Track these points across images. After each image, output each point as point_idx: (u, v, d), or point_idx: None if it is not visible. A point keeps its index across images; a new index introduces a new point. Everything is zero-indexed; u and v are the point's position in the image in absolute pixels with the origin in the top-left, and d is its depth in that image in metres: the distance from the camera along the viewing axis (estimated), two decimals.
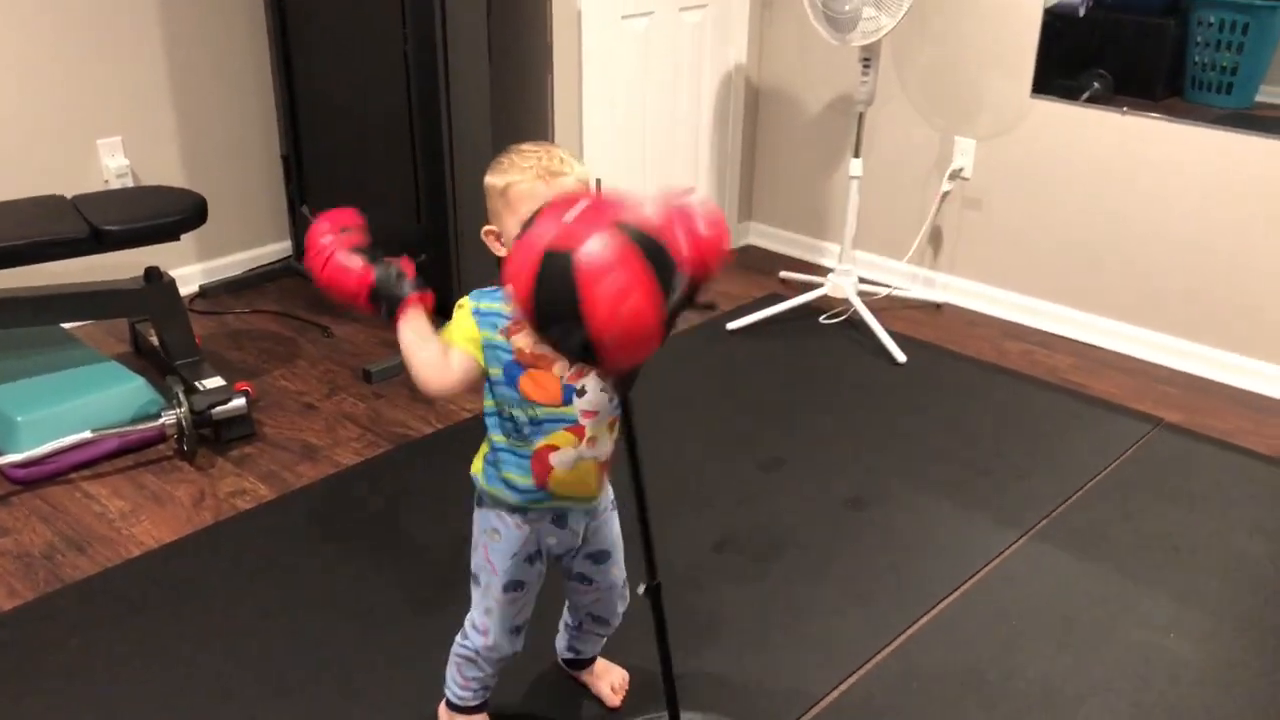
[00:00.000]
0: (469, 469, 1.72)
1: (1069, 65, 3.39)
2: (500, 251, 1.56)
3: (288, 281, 3.83)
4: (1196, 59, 3.24)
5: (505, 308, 1.53)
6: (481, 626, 1.76)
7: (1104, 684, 2.09)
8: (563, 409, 1.57)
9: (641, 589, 1.59)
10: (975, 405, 3.15)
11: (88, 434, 2.68)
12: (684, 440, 2.91)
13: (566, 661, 2.04)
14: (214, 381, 2.87)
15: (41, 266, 2.77)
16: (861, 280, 3.66)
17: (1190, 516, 2.61)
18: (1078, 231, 3.47)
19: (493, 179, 1.56)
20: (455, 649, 1.82)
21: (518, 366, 1.54)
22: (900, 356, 3.34)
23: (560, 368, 1.55)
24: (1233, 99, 3.20)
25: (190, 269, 3.67)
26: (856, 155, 3.47)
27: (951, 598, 2.31)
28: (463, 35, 3.07)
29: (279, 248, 3.93)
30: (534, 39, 3.43)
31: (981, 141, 3.59)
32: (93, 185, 3.31)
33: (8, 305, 2.78)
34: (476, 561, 1.73)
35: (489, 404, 1.61)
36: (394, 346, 3.46)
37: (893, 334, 3.42)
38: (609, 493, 1.77)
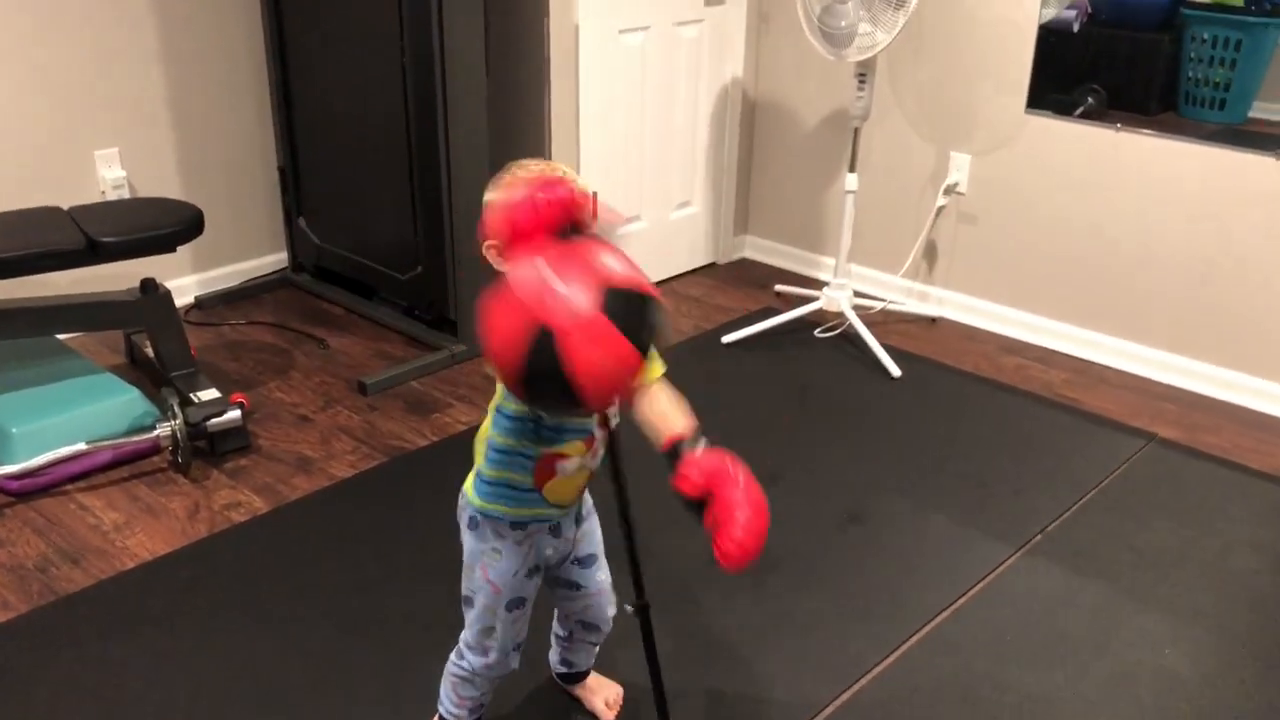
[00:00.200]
0: (462, 487, 1.71)
1: (1063, 80, 3.41)
2: (503, 267, 1.56)
3: (283, 293, 3.83)
4: (1190, 75, 3.25)
5: None
6: (481, 647, 1.75)
7: (1099, 700, 2.09)
8: (586, 420, 1.60)
9: (630, 609, 1.59)
10: (970, 420, 3.15)
11: (82, 446, 2.67)
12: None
13: (560, 676, 2.03)
14: (209, 393, 2.86)
15: (37, 277, 2.77)
16: (857, 294, 3.67)
17: (1186, 532, 2.62)
18: (1073, 246, 3.48)
19: (496, 194, 1.54)
20: (450, 669, 1.82)
21: None
22: (895, 371, 3.34)
23: None
24: (1226, 114, 3.21)
25: (186, 280, 3.67)
26: (852, 170, 3.48)
27: (946, 613, 2.31)
28: (460, 49, 3.09)
29: (275, 259, 3.94)
30: (531, 53, 3.44)
31: (977, 156, 3.60)
32: (90, 196, 3.31)
33: (3, 316, 2.77)
34: (472, 584, 1.72)
35: (512, 407, 1.58)
36: (388, 358, 3.47)
37: (888, 348, 3.42)
38: (588, 498, 1.78)
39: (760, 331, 3.56)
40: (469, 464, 1.72)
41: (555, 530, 1.70)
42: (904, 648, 2.20)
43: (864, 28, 3.14)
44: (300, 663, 2.14)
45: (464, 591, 1.74)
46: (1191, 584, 2.43)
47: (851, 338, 3.53)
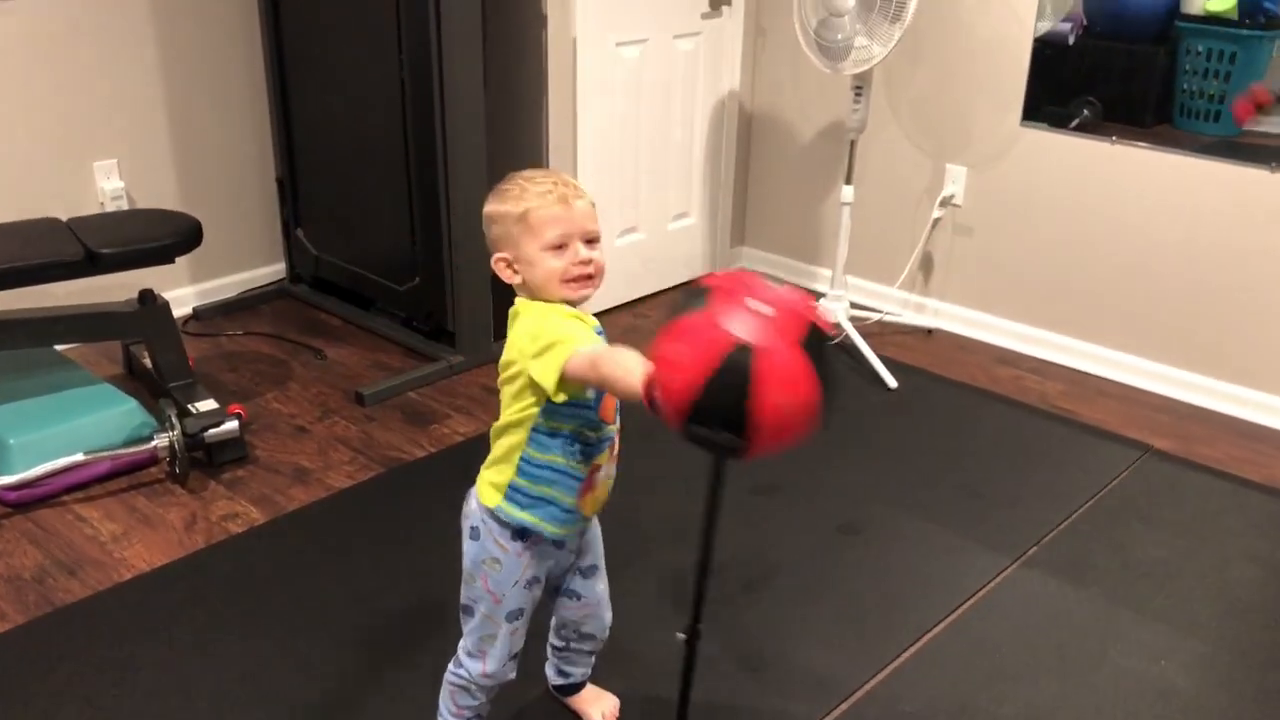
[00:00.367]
0: (463, 495, 1.72)
1: (1059, 93, 3.42)
2: (514, 279, 1.57)
3: (281, 304, 3.84)
4: (1185, 87, 3.27)
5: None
6: (478, 654, 1.75)
7: (1095, 713, 2.09)
8: (613, 426, 1.63)
9: (681, 636, 1.61)
10: (967, 431, 3.16)
11: (80, 456, 2.67)
12: (674, 465, 2.91)
13: (557, 688, 2.03)
14: (207, 404, 2.87)
15: (36, 288, 2.77)
16: (853, 305, 3.68)
17: (1181, 544, 2.62)
18: (1068, 258, 3.50)
19: (505, 206, 1.55)
20: (448, 678, 1.82)
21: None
22: (891, 382, 3.35)
23: None
24: (1220, 127, 3.23)
25: (184, 291, 3.67)
26: (848, 182, 3.49)
27: (942, 625, 2.31)
28: (458, 62, 3.10)
29: (273, 270, 3.95)
30: (529, 65, 3.46)
31: (972, 169, 3.62)
32: (88, 207, 3.32)
33: (2, 327, 2.78)
34: (472, 593, 1.73)
35: (555, 426, 1.57)
36: (386, 369, 3.47)
37: (884, 359, 3.43)
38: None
39: None
40: (467, 475, 1.72)
41: (559, 543, 1.70)
42: (900, 659, 2.21)
43: (860, 41, 3.15)
44: (298, 674, 2.14)
45: (463, 600, 1.75)
46: (1188, 595, 2.43)
47: (848, 349, 3.54)
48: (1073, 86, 3.42)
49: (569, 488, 1.62)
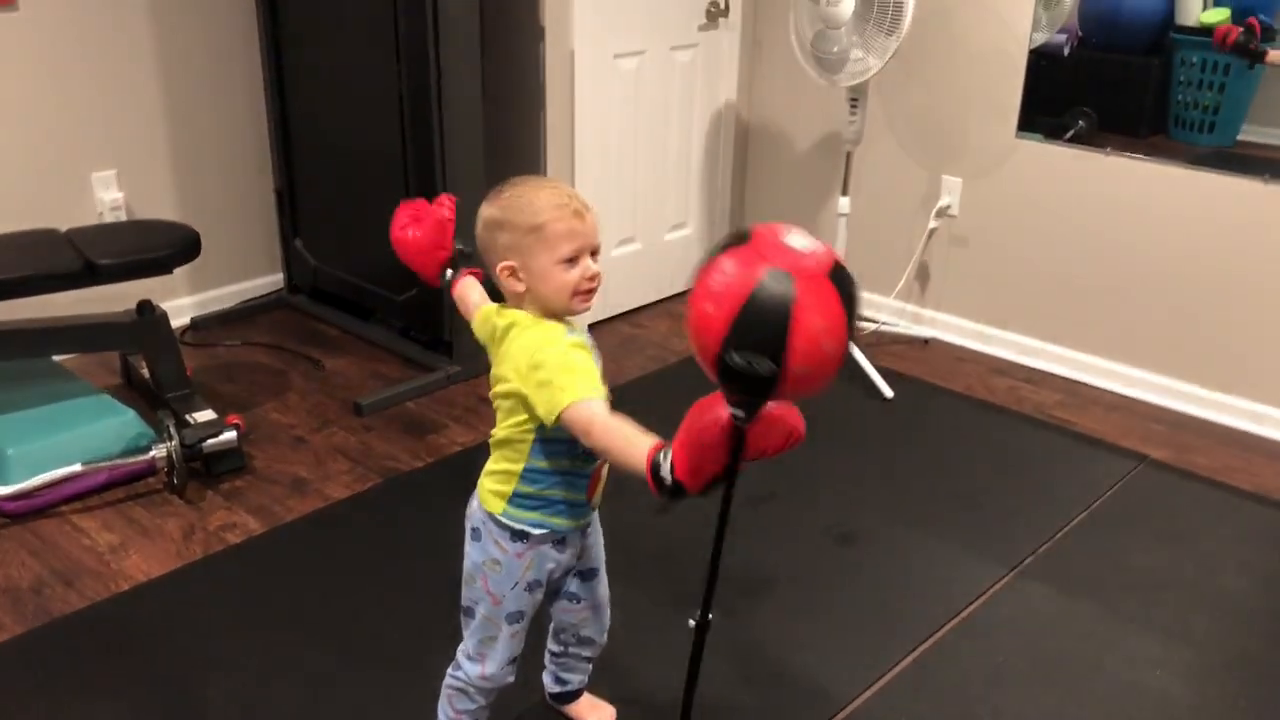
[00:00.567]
0: (461, 505, 1.73)
1: (1054, 104, 3.44)
2: (517, 288, 1.56)
3: (280, 314, 3.85)
4: (1179, 98, 3.29)
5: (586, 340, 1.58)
6: (477, 656, 1.76)
7: None
8: None
9: (692, 623, 1.62)
10: (962, 441, 3.17)
11: (78, 467, 2.68)
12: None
13: (554, 696, 2.04)
14: (205, 414, 2.87)
15: (34, 298, 2.78)
16: None
17: (1177, 553, 2.63)
18: (1064, 269, 3.51)
19: (517, 216, 1.53)
20: (447, 681, 1.82)
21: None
22: (888, 392, 3.36)
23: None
24: (1215, 138, 3.25)
25: (182, 301, 3.68)
26: (845, 193, 3.50)
27: (938, 635, 2.32)
28: (456, 73, 3.11)
29: (272, 280, 3.95)
30: (527, 77, 3.47)
31: (968, 180, 3.63)
32: (87, 218, 3.33)
33: (0, 337, 2.79)
34: (472, 594, 1.74)
35: (558, 434, 1.56)
36: (384, 379, 3.47)
37: (880, 369, 3.44)
38: (594, 512, 1.78)
39: None
40: (465, 485, 1.73)
41: (560, 544, 1.71)
42: (896, 669, 2.21)
43: (856, 53, 3.17)
44: (296, 685, 2.14)
45: (464, 601, 1.75)
46: (1182, 605, 2.44)
47: (844, 359, 3.54)
48: (1068, 98, 3.44)
49: (577, 486, 1.64)
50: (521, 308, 1.59)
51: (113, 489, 2.76)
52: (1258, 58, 3.01)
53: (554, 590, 1.81)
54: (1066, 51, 3.41)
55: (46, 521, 2.64)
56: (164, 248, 2.92)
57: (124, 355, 3.31)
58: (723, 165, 4.14)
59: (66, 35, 3.25)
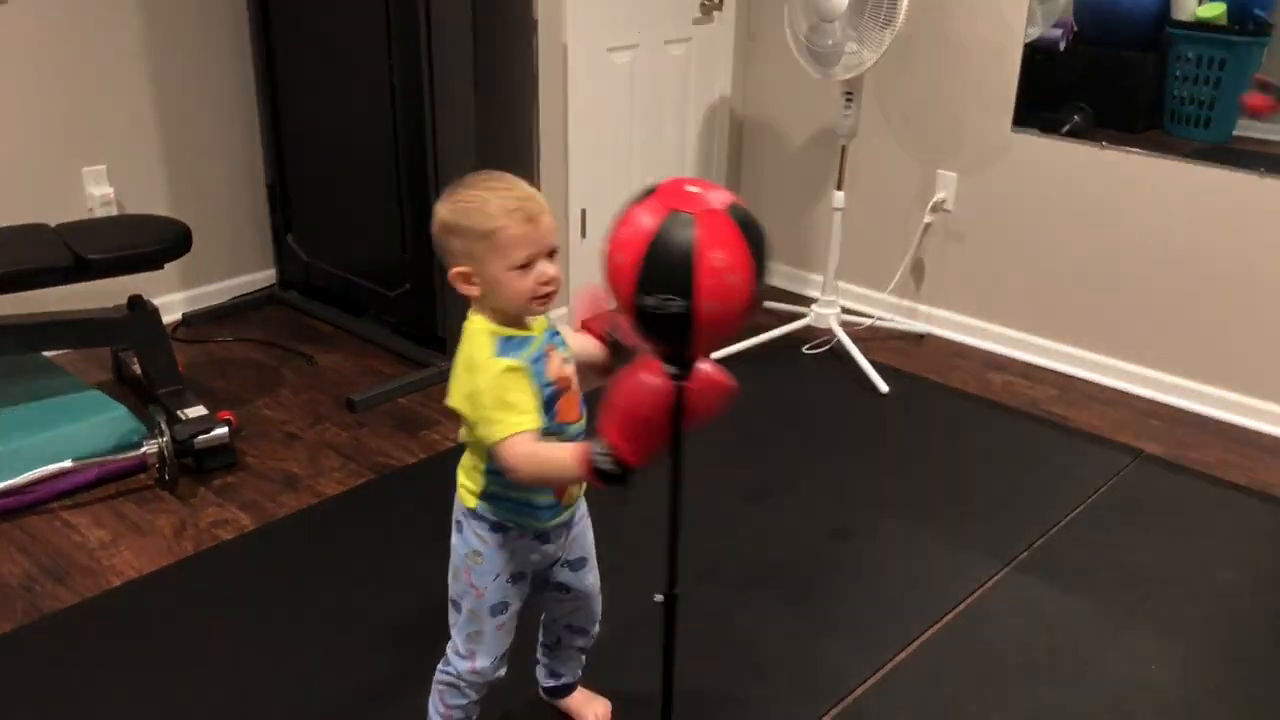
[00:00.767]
0: (452, 500, 1.71)
1: (1049, 98, 3.43)
2: (474, 293, 1.54)
3: (271, 310, 3.83)
4: (1175, 93, 3.28)
5: (535, 346, 1.55)
6: (466, 651, 1.75)
7: (1086, 717, 2.09)
8: (581, 422, 1.62)
9: (659, 598, 1.61)
10: (958, 436, 3.16)
11: (68, 464, 2.66)
12: (667, 469, 2.91)
13: (548, 690, 2.03)
14: (196, 410, 2.85)
15: (24, 294, 2.76)
16: (845, 311, 3.68)
17: (1172, 548, 2.62)
18: (1059, 263, 3.50)
19: (468, 221, 1.50)
20: (437, 675, 1.81)
21: (557, 395, 1.57)
22: (883, 387, 3.35)
23: (575, 383, 1.59)
24: (1210, 133, 3.24)
25: (174, 297, 3.66)
26: (839, 188, 3.49)
27: (933, 630, 2.31)
28: (449, 67, 3.09)
29: (263, 276, 3.93)
30: (520, 71, 3.46)
31: (963, 175, 3.62)
32: (77, 213, 3.30)
33: None
34: (458, 588, 1.73)
35: None
36: (377, 375, 3.46)
37: (875, 364, 3.43)
38: (583, 503, 1.78)
39: (748, 348, 3.57)
40: (457, 481, 1.72)
41: (542, 537, 1.70)
42: (891, 664, 2.20)
43: (851, 46, 3.16)
44: (287, 682, 2.13)
45: (451, 595, 1.74)
46: (1177, 600, 2.44)
47: (839, 354, 3.54)
48: (1063, 92, 3.43)
49: (545, 489, 1.63)
50: (481, 311, 1.57)
51: (104, 485, 2.74)
52: None
53: (542, 581, 1.80)
54: (1062, 46, 3.40)
55: (37, 518, 2.62)
56: (155, 243, 2.91)
57: (115, 351, 3.30)
58: (717, 160, 4.13)
59: (57, 29, 3.23)
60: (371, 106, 3.29)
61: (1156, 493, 2.87)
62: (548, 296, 1.53)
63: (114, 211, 3.44)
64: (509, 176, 1.55)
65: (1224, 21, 3.13)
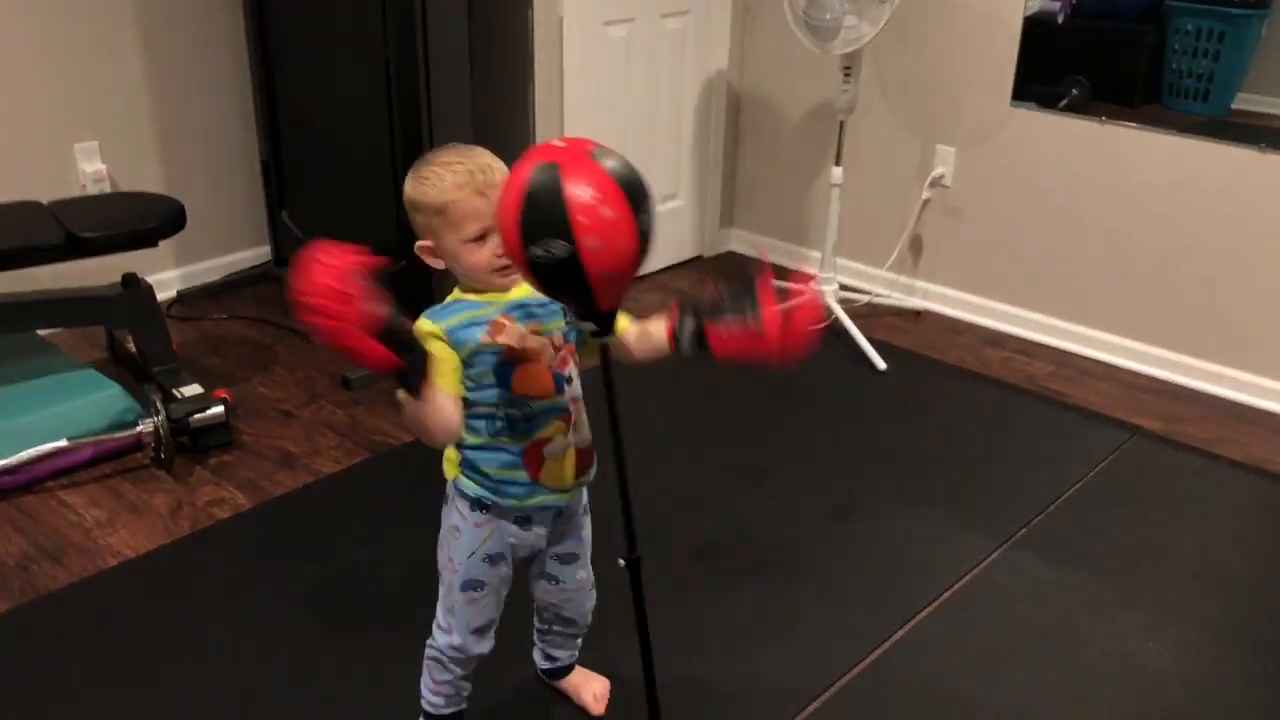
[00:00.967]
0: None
1: (1048, 72, 3.41)
2: (439, 265, 1.57)
3: (267, 287, 3.81)
4: (1174, 66, 3.26)
5: (479, 311, 1.55)
6: (445, 625, 1.75)
7: (1084, 694, 2.10)
8: (555, 399, 1.60)
9: (621, 562, 1.62)
10: (955, 413, 3.16)
11: (64, 443, 2.65)
12: (665, 448, 2.91)
13: (545, 672, 2.03)
14: (192, 389, 2.84)
15: (16, 272, 2.74)
16: (842, 287, 3.67)
17: (1168, 525, 2.63)
18: (1057, 239, 3.49)
19: (424, 198, 1.53)
20: (426, 650, 1.81)
21: (507, 366, 1.55)
22: (881, 364, 3.34)
23: (547, 357, 1.57)
24: (1209, 106, 3.22)
25: (168, 274, 3.64)
26: (838, 163, 3.47)
27: (931, 608, 2.31)
28: (444, 41, 3.07)
29: (258, 253, 3.91)
30: (516, 45, 3.42)
31: (962, 149, 3.60)
32: (69, 190, 3.28)
33: None
34: (440, 560, 1.74)
35: (473, 409, 1.59)
36: None
37: (873, 341, 3.42)
38: (583, 496, 1.77)
39: None
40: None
41: (523, 522, 1.69)
42: (889, 642, 2.21)
43: (849, 20, 3.13)
44: (284, 661, 2.13)
45: (438, 566, 1.75)
46: (1174, 577, 2.44)
47: (837, 331, 3.53)
48: (1061, 65, 3.41)
49: (509, 464, 1.61)
50: (459, 282, 1.59)
51: (99, 464, 2.73)
52: None
53: (536, 569, 1.80)
54: (1061, 19, 3.37)
55: (32, 497, 2.61)
56: (149, 220, 2.88)
57: (109, 329, 3.28)
58: (714, 135, 4.10)
59: (47, 4, 3.19)
60: (366, 82, 3.26)
61: (1153, 469, 2.87)
62: (507, 268, 1.52)
63: (106, 188, 3.41)
64: (471, 149, 1.56)
65: None
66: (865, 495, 2.72)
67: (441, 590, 1.74)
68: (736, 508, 2.66)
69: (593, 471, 1.71)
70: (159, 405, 2.69)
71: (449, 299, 1.59)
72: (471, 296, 1.57)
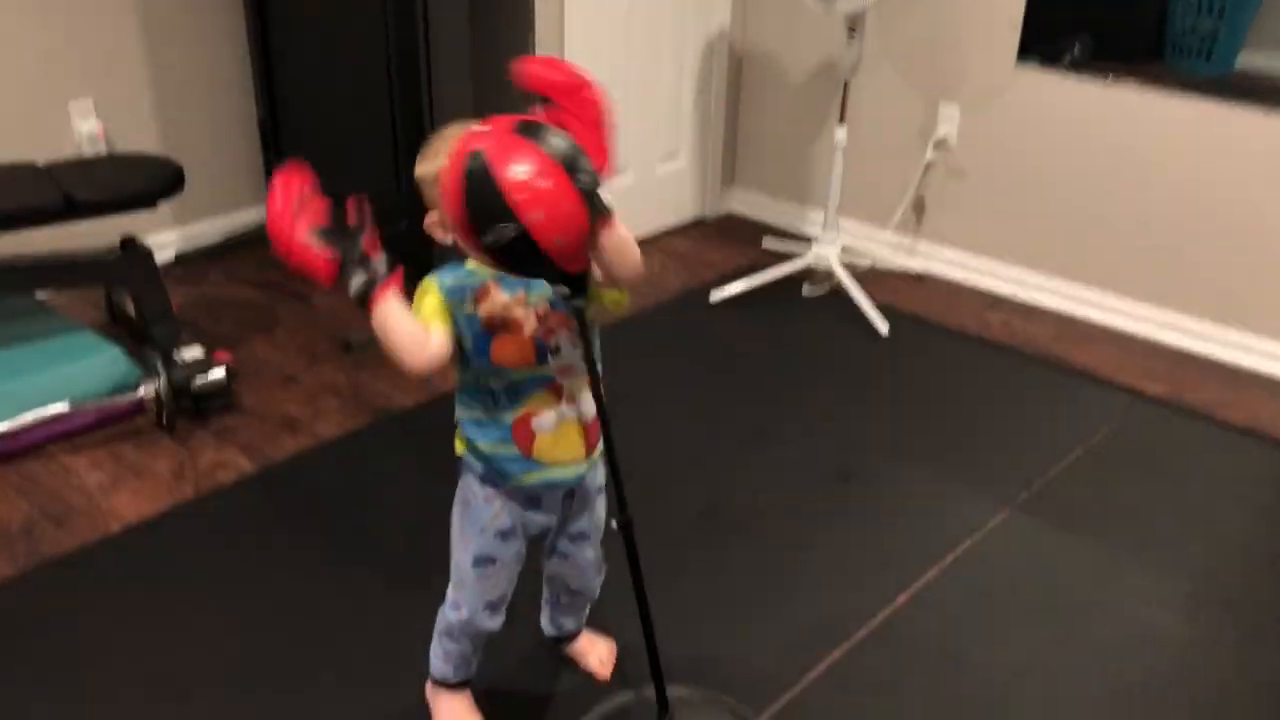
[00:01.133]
0: (453, 443, 1.70)
1: (1053, 30, 3.37)
2: (447, 239, 1.55)
3: (265, 248, 3.73)
4: (1178, 24, 3.22)
5: (469, 279, 1.54)
6: (455, 599, 1.76)
7: (1086, 657, 2.11)
8: (538, 369, 1.57)
9: (614, 525, 1.61)
10: (958, 377, 3.15)
11: (65, 406, 2.64)
12: (667, 412, 2.91)
13: (552, 638, 2.04)
14: (193, 352, 2.82)
15: (12, 235, 2.71)
16: (844, 249, 3.65)
17: (1172, 489, 2.63)
18: (1061, 200, 3.47)
19: (425, 168, 1.56)
20: (437, 621, 1.82)
21: (486, 335, 1.54)
22: (883, 328, 3.33)
23: (530, 326, 1.54)
24: (1213, 65, 3.18)
25: (165, 235, 3.61)
26: (841, 122, 3.44)
27: (934, 572, 2.32)
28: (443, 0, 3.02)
29: (257, 213, 3.88)
30: (515, 2, 3.37)
31: (966, 109, 3.57)
32: (64, 149, 3.24)
33: None
34: (453, 534, 1.74)
35: (463, 380, 1.60)
36: None
37: (876, 304, 3.41)
38: (599, 475, 1.75)
39: (748, 288, 3.54)
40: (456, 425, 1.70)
41: (534, 503, 1.68)
42: (892, 607, 2.22)
43: None
44: (290, 626, 2.13)
45: (451, 541, 1.75)
46: (1176, 539, 2.45)
47: (839, 293, 3.52)
48: (1065, 23, 3.37)
49: (499, 439, 1.60)
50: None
51: (101, 428, 2.72)
52: None
53: (547, 544, 1.80)
54: None
55: (34, 461, 2.61)
56: (147, 182, 2.85)
57: (108, 292, 3.25)
58: (716, 94, 4.05)
59: None
60: (365, 41, 3.22)
61: (1156, 434, 2.87)
62: None
63: (102, 147, 3.38)
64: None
65: None
66: (867, 458, 2.72)
67: (453, 564, 1.75)
68: (739, 470, 2.66)
69: (599, 448, 1.67)
70: (160, 368, 2.68)
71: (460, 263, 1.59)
72: (471, 265, 1.56)
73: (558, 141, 1.33)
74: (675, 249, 3.94)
